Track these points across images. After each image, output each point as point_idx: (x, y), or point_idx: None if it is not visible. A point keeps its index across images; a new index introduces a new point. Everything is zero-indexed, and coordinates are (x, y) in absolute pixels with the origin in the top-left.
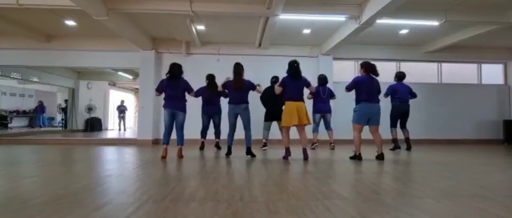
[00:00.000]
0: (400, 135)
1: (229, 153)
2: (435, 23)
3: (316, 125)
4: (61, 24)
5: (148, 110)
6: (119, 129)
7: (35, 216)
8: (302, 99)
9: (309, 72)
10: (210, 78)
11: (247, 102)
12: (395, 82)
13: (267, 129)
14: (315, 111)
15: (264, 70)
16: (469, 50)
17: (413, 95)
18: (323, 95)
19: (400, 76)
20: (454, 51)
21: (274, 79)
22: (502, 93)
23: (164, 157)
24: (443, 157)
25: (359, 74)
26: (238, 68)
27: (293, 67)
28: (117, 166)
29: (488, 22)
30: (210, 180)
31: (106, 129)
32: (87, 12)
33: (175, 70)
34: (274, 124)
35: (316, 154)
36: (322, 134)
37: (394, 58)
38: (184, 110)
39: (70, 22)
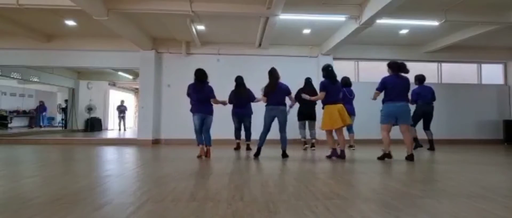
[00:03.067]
0: (422, 136)
1: (258, 153)
2: (435, 23)
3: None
4: (61, 24)
5: (148, 110)
6: (119, 129)
7: (35, 216)
8: (340, 102)
9: (309, 73)
10: (239, 81)
11: (285, 105)
12: (416, 86)
13: (302, 127)
14: None
15: (264, 70)
16: (469, 50)
17: (433, 98)
18: (350, 96)
19: (420, 79)
20: (454, 51)
21: (309, 80)
22: (502, 93)
23: (200, 157)
24: (443, 157)
25: (388, 75)
26: (274, 73)
27: (329, 71)
28: (117, 166)
29: (488, 22)
30: (211, 180)
31: (106, 129)
32: (87, 12)
33: (199, 75)
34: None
35: (318, 154)
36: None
37: (394, 59)
38: (212, 113)
39: (70, 22)
